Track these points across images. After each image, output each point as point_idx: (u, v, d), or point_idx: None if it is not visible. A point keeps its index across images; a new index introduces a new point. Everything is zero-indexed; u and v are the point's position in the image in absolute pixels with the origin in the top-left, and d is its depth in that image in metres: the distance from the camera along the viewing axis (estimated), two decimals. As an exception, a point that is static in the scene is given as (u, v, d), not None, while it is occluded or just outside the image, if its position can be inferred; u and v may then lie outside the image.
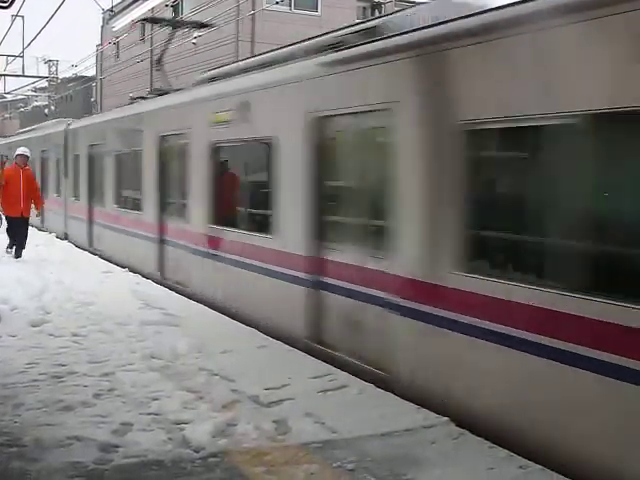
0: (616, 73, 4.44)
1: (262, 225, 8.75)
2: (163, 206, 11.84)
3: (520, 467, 4.71)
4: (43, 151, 21.06)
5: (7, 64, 36.35)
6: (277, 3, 23.83)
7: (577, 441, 4.65)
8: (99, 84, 44.77)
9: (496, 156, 5.87)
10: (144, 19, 16.03)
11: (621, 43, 4.39)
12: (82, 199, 16.93)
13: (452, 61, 5.77)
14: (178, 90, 12.71)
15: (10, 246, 14.58)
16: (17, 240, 14.42)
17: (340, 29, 8.23)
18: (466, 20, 5.77)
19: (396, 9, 33.34)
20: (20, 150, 15.11)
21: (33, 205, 15.08)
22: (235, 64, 11.47)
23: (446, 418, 5.48)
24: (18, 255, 14.26)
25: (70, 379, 6.52)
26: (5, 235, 14.77)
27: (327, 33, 8.55)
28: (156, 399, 5.98)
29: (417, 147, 6.11)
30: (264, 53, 10.15)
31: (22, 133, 27.43)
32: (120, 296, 10.39)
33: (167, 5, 27.62)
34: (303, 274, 7.68)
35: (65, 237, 18.47)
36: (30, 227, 15.38)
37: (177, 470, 4.69)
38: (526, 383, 5.05)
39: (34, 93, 51.89)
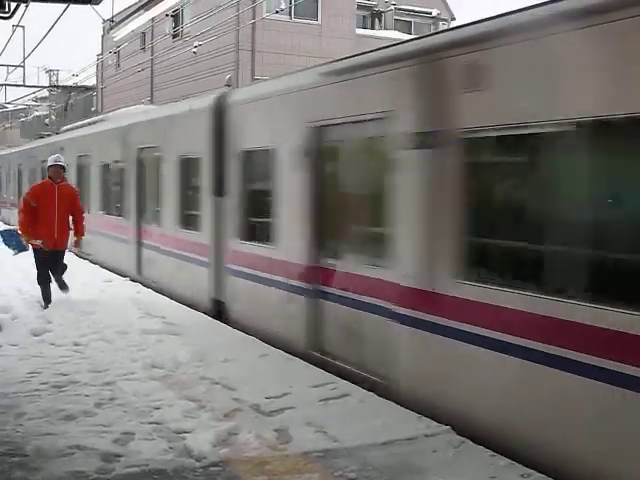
0: None
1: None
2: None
3: (521, 476, 4.71)
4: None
5: (8, 74, 36.44)
6: (277, 12, 23.88)
7: None
8: (100, 93, 44.86)
9: None
10: None
11: None
12: None
13: None
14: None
15: (46, 299, 10.47)
16: (54, 276, 10.73)
17: None
18: None
19: (395, 18, 33.50)
20: (52, 159, 11.03)
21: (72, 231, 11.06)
22: None
23: (447, 427, 5.48)
24: (62, 287, 10.75)
25: (71, 388, 6.53)
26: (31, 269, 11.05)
27: None
28: (157, 408, 5.99)
29: None
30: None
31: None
32: (121, 305, 10.40)
33: (167, 15, 27.71)
34: None
35: None
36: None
37: (179, 479, 4.69)
38: None
39: (35, 103, 51.99)
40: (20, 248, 11.08)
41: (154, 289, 11.87)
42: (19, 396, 6.29)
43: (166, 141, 11.87)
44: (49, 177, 10.99)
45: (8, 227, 12.24)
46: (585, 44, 4.74)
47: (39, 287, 10.58)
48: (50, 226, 10.52)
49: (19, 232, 10.98)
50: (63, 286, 10.81)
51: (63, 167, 11.12)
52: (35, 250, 10.63)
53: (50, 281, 10.62)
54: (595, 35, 4.66)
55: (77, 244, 11.38)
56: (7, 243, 11.58)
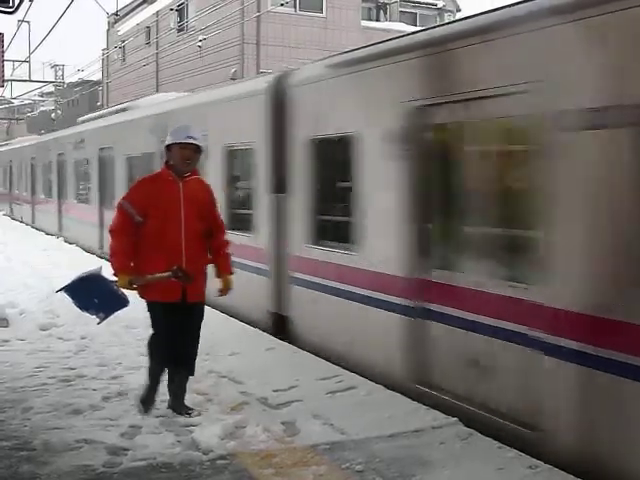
0: None
1: None
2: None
3: (529, 467, 4.70)
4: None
5: (14, 69, 36.49)
6: (282, 5, 23.79)
7: None
8: (105, 88, 44.87)
9: None
10: None
11: None
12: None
13: None
14: None
15: (148, 398, 5.74)
16: (175, 359, 5.72)
17: None
18: None
19: (400, 10, 33.37)
20: (176, 134, 5.80)
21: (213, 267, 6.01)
22: None
23: (455, 418, 5.47)
24: (176, 404, 5.72)
25: (79, 382, 6.55)
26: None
27: None
28: (164, 402, 5.98)
29: None
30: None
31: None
32: (129, 299, 10.37)
33: (172, 9, 27.67)
34: None
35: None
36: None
37: (186, 473, 4.69)
38: None
39: (41, 98, 52.10)
40: (110, 306, 6.21)
41: None
42: (27, 390, 6.31)
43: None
44: (167, 165, 5.85)
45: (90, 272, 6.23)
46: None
47: (148, 367, 5.88)
48: (177, 256, 5.65)
49: (110, 274, 5.96)
50: (178, 396, 5.77)
51: (200, 149, 5.82)
52: (152, 305, 5.95)
53: (173, 362, 5.76)
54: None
55: (224, 291, 6.04)
56: (83, 305, 6.24)
